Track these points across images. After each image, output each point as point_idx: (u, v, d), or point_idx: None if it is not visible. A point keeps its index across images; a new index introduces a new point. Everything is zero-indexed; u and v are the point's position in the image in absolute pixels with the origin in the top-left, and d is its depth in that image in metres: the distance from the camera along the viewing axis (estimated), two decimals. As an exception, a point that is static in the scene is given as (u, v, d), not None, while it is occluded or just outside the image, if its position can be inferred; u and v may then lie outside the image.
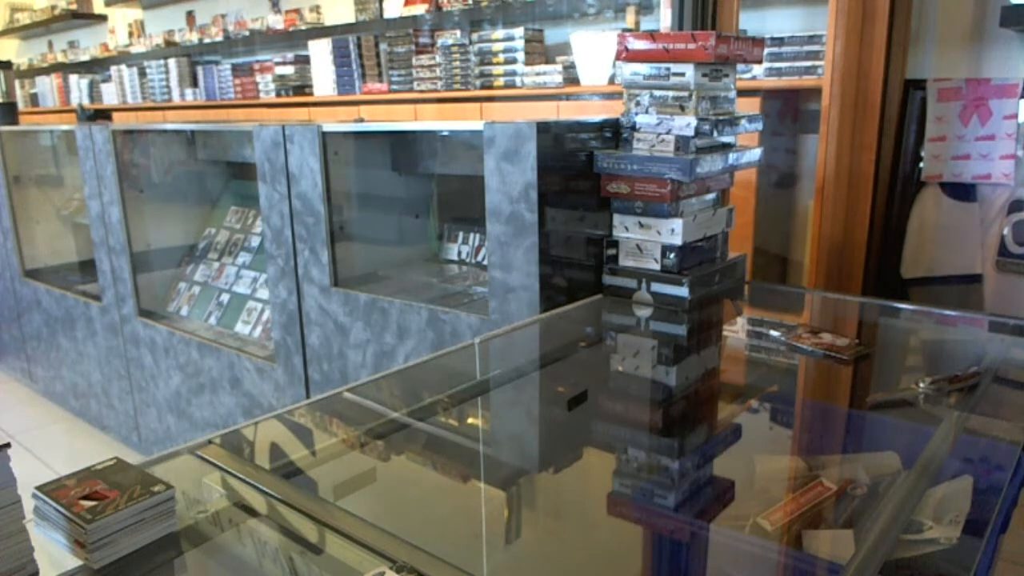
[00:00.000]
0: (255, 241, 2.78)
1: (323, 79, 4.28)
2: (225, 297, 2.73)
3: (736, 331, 1.56)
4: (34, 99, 7.10)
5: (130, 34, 6.11)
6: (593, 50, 3.17)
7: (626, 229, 1.57)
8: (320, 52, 4.24)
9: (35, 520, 0.74)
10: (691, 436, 1.10)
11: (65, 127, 3.02)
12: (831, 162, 1.99)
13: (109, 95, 6.04)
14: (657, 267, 1.54)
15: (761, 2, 2.77)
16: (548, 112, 3.22)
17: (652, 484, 0.94)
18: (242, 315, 2.63)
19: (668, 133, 1.50)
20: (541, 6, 3.39)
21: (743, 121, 1.61)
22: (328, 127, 1.88)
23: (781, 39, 2.56)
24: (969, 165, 2.06)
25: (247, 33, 4.81)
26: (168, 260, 2.92)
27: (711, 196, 1.63)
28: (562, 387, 1.30)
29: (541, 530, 0.90)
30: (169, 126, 2.94)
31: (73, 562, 0.71)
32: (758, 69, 2.62)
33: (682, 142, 1.49)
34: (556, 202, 1.50)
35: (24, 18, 6.98)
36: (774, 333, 1.48)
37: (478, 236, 2.26)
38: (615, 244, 1.59)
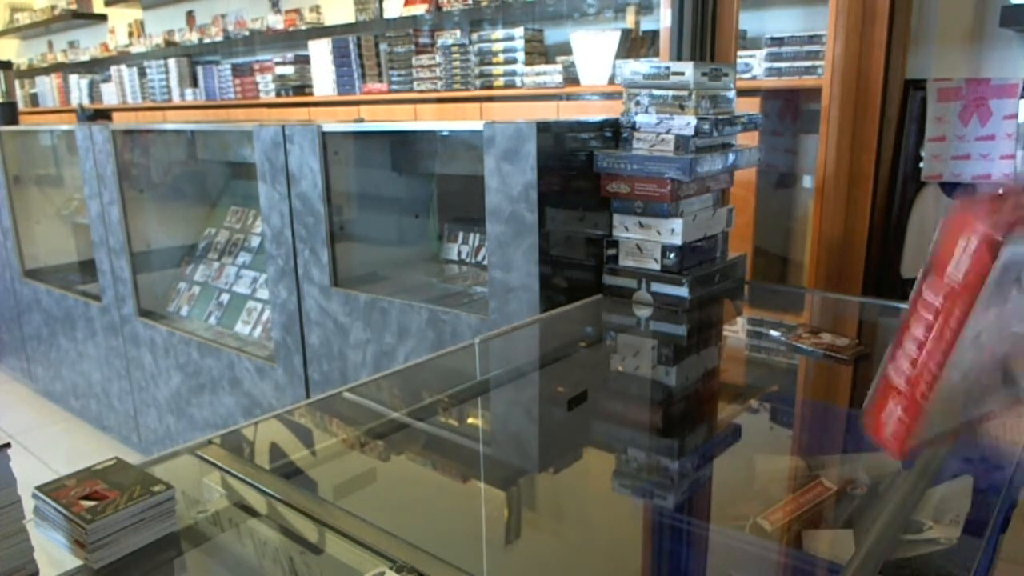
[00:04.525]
0: (255, 241, 2.78)
1: (323, 79, 4.28)
2: (225, 297, 2.73)
3: (736, 331, 1.56)
4: (34, 99, 7.10)
5: (130, 34, 6.11)
6: (593, 50, 3.17)
7: (626, 229, 1.57)
8: (320, 52, 4.24)
9: (35, 520, 0.74)
10: (691, 436, 1.10)
11: (65, 127, 3.02)
12: (831, 162, 1.99)
13: (109, 95, 6.04)
14: (657, 267, 1.54)
15: (761, 2, 2.77)
16: (548, 112, 3.22)
17: (652, 484, 0.94)
18: (242, 315, 2.63)
19: (668, 133, 1.50)
20: (541, 6, 3.39)
21: (743, 121, 1.62)
22: (328, 127, 1.88)
23: (781, 39, 2.56)
24: (969, 165, 2.06)
25: (247, 33, 4.81)
26: (168, 260, 2.92)
27: (711, 196, 1.63)
28: (562, 387, 1.30)
29: (541, 530, 0.90)
30: (169, 126, 2.94)
31: (73, 562, 0.71)
32: (758, 69, 2.62)
33: (682, 141, 1.49)
34: (556, 202, 1.50)
35: (24, 18, 6.98)
36: (774, 333, 1.48)
37: (478, 236, 2.26)
38: (615, 244, 1.59)
